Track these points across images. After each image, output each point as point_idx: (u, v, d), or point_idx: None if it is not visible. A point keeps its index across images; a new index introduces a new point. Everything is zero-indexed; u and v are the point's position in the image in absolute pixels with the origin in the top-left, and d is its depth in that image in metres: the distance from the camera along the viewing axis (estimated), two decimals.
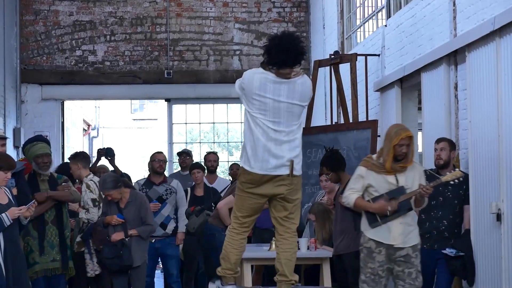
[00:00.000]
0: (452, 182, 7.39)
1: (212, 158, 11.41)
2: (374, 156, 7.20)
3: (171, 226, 9.82)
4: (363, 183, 7.11)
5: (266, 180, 6.43)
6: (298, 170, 6.49)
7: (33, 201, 7.79)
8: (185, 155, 11.54)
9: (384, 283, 7.09)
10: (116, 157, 10.82)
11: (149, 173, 10.23)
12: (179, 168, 11.76)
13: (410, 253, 7.02)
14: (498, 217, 7.65)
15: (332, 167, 8.90)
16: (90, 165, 9.94)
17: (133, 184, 10.16)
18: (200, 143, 21.04)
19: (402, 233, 6.99)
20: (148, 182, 9.92)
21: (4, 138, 8.87)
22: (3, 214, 7.40)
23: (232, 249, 6.69)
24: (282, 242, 6.63)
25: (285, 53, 6.35)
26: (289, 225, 6.62)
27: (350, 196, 7.18)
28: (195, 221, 9.87)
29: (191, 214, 9.93)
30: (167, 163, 10.45)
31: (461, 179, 7.36)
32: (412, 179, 7.03)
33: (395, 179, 7.02)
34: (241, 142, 11.16)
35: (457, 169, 7.31)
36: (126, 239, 8.67)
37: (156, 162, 9.91)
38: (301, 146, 6.55)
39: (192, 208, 9.96)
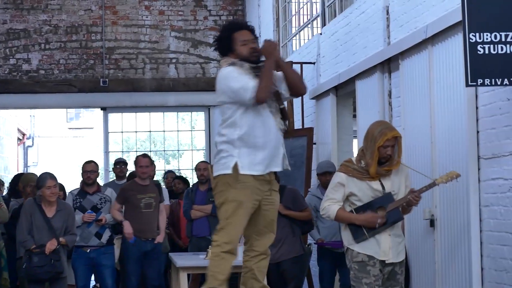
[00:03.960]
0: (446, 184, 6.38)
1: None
2: (353, 159, 6.30)
3: (106, 236, 9.72)
4: (343, 192, 6.18)
5: None
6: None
7: None
8: (121, 164, 11.46)
9: None
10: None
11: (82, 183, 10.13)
12: (115, 178, 11.66)
13: (396, 270, 6.21)
14: (432, 223, 7.76)
15: None
16: None
17: (67, 194, 10.06)
18: (136, 151, 20.91)
19: (392, 246, 6.14)
20: (82, 192, 9.81)
21: None
22: None
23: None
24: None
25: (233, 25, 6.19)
26: None
27: (330, 207, 6.21)
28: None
29: None
30: (99, 172, 10.33)
31: (457, 180, 6.31)
32: (398, 184, 6.21)
33: (380, 185, 6.15)
34: (177, 150, 11.06)
35: (452, 170, 6.38)
36: (58, 247, 8.65)
37: (84, 173, 9.81)
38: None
39: None
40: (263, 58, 5.95)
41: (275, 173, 6.01)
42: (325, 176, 9.28)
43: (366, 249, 6.11)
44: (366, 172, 6.13)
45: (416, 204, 6.21)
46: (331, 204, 6.21)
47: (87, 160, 10.06)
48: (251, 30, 6.09)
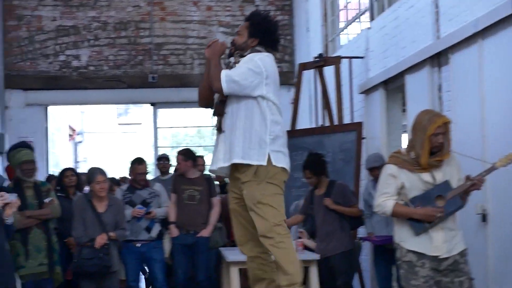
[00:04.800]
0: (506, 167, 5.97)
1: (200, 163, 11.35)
2: (403, 150, 6.05)
3: (156, 230, 9.79)
4: (396, 184, 5.92)
5: None
6: None
7: (15, 194, 7.72)
8: (164, 160, 11.51)
9: None
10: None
11: (131, 178, 10.20)
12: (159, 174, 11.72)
13: (458, 259, 5.91)
14: (484, 217, 7.68)
15: (315, 172, 8.97)
16: None
17: (117, 189, 10.15)
18: (185, 147, 20.99)
19: (446, 240, 5.87)
20: (131, 187, 9.90)
21: None
22: None
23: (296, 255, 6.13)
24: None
25: (280, 37, 6.34)
26: None
27: (385, 203, 5.94)
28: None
29: None
30: (149, 169, 10.42)
31: None
32: (450, 174, 5.92)
33: (431, 176, 5.89)
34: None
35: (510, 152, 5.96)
36: (108, 242, 8.73)
37: (138, 175, 9.88)
38: None
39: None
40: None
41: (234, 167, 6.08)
42: (373, 171, 9.23)
43: (416, 246, 5.87)
44: (416, 163, 5.87)
45: (479, 188, 5.89)
46: (385, 200, 5.95)
47: (137, 160, 10.08)
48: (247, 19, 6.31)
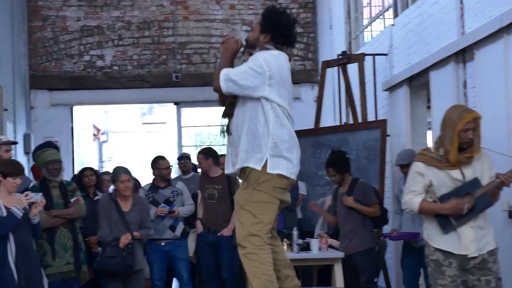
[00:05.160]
0: None
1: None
2: (431, 147, 5.93)
3: (180, 229, 9.81)
4: (424, 182, 5.83)
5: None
6: None
7: (41, 194, 7.76)
8: (185, 159, 11.53)
9: None
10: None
11: (153, 177, 10.22)
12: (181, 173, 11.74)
13: (486, 258, 5.78)
14: (510, 214, 7.64)
15: (339, 169, 8.95)
16: None
17: (139, 190, 10.18)
18: (209, 146, 21.03)
19: (475, 239, 5.72)
20: (153, 187, 9.92)
21: (10, 144, 8.83)
22: (13, 207, 7.40)
23: (271, 269, 5.64)
24: (276, 252, 5.86)
25: (295, 32, 5.90)
26: (274, 233, 5.91)
27: (412, 200, 5.86)
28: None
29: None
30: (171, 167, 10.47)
31: None
32: (480, 171, 5.79)
33: (461, 173, 5.76)
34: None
35: None
36: (132, 241, 8.76)
37: (164, 170, 9.91)
38: None
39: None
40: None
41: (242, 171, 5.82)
42: (403, 168, 9.27)
43: (445, 245, 5.75)
44: (445, 160, 5.74)
45: (508, 185, 5.76)
46: (412, 197, 5.86)
47: (159, 156, 10.10)
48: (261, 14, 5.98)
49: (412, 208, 5.87)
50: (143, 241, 9.05)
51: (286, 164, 5.68)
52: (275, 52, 5.79)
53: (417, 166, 5.86)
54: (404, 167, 9.14)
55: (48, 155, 8.72)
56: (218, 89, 5.76)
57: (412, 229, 8.88)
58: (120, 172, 8.96)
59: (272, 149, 5.64)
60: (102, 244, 8.79)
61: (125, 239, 8.72)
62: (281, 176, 5.67)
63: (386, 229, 9.99)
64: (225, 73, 5.72)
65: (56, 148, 8.99)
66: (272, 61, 5.69)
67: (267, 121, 5.64)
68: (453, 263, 5.72)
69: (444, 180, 5.76)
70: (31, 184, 8.83)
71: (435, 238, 5.81)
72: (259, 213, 5.63)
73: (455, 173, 5.74)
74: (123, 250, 8.66)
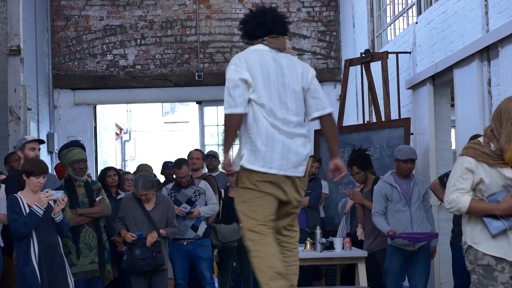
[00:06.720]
0: None
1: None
2: (481, 140, 5.16)
3: (202, 228, 9.80)
4: (472, 180, 5.08)
5: (288, 182, 5.54)
6: (310, 170, 5.68)
7: (63, 191, 7.79)
8: (211, 157, 11.54)
9: None
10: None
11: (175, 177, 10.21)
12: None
13: None
14: None
15: (363, 167, 8.92)
16: None
17: (163, 189, 10.18)
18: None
19: None
20: (176, 186, 9.91)
21: (39, 142, 8.85)
22: (34, 205, 7.43)
23: (276, 261, 5.43)
24: (286, 255, 5.64)
25: (274, 20, 5.63)
26: (292, 234, 5.74)
27: (460, 199, 5.08)
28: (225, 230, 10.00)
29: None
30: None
31: None
32: None
33: None
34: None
35: None
36: (158, 239, 8.77)
37: (180, 178, 9.83)
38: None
39: None
40: None
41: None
42: (407, 163, 8.75)
43: (493, 250, 5.05)
44: (498, 157, 5.02)
45: None
46: (459, 196, 5.07)
47: (176, 163, 9.90)
48: None
49: (460, 208, 5.09)
50: (169, 239, 9.06)
51: (263, 158, 5.47)
52: (245, 52, 5.68)
53: (467, 162, 5.09)
54: (405, 163, 8.65)
55: (74, 154, 8.74)
56: (232, 122, 5.59)
57: (411, 230, 8.51)
58: (138, 183, 8.91)
59: (249, 144, 5.51)
60: (129, 244, 8.79)
61: (151, 237, 8.71)
62: (258, 171, 5.49)
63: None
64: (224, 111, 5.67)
65: (82, 147, 9.01)
66: (239, 65, 5.58)
67: (256, 119, 5.52)
68: (505, 268, 5.04)
69: (495, 178, 5.07)
70: (58, 185, 8.87)
71: (483, 242, 5.10)
72: (250, 211, 5.49)
73: (508, 172, 5.04)
74: (152, 250, 8.67)
